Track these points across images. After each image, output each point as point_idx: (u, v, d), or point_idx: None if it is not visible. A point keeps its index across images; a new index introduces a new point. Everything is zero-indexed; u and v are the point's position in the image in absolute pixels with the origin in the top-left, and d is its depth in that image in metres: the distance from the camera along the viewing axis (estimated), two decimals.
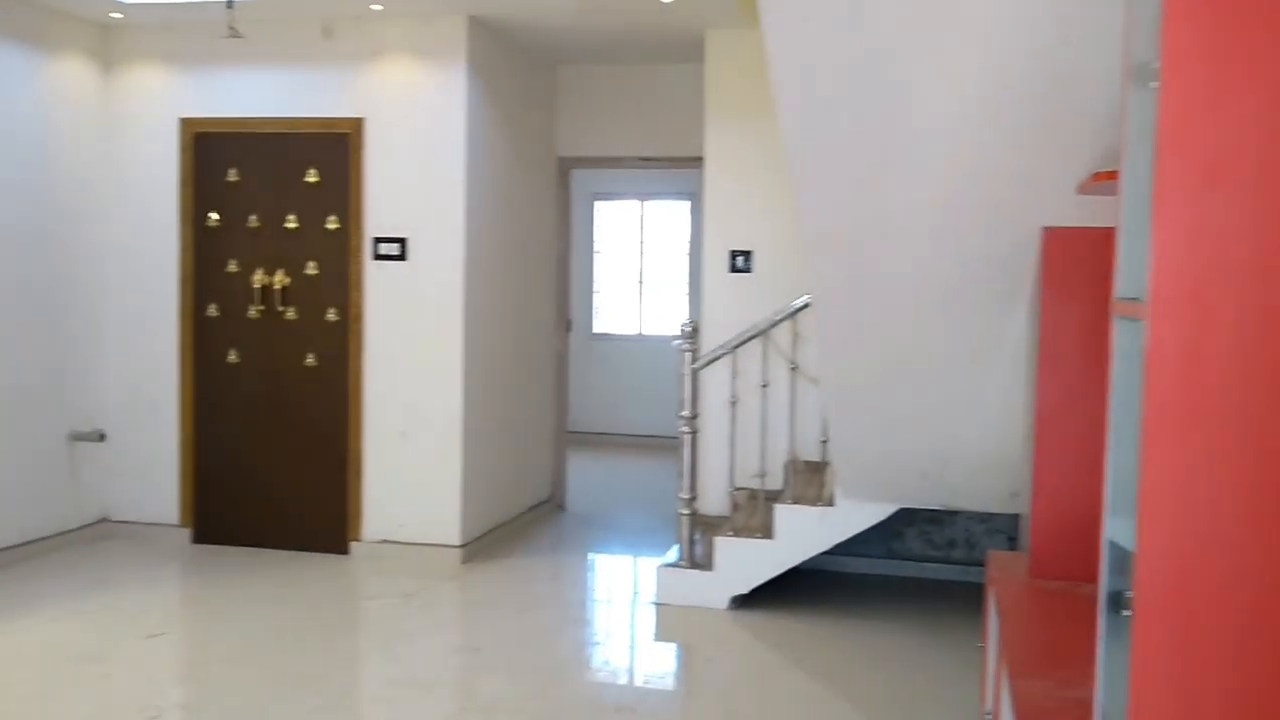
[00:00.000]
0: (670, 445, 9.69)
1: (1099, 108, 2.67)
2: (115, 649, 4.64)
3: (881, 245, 3.34)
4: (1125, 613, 1.55)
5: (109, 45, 6.23)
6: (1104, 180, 2.52)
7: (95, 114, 6.19)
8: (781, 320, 5.29)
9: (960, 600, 5.55)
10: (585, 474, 8.24)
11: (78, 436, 6.14)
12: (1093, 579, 3.10)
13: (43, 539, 5.93)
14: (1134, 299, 1.58)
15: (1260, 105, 1.40)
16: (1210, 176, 1.40)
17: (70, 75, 6.02)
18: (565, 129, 7.21)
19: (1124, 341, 1.66)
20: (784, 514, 5.23)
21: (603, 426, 10.23)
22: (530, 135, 6.85)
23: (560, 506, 7.52)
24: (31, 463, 5.87)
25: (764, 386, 5.35)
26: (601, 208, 10.64)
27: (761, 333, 5.33)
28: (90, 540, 6.24)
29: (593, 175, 9.55)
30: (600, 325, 10.70)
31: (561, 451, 7.53)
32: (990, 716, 2.88)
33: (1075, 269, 3.02)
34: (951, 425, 4.17)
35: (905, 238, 3.30)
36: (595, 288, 10.66)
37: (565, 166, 7.31)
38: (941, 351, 3.81)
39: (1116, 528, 1.69)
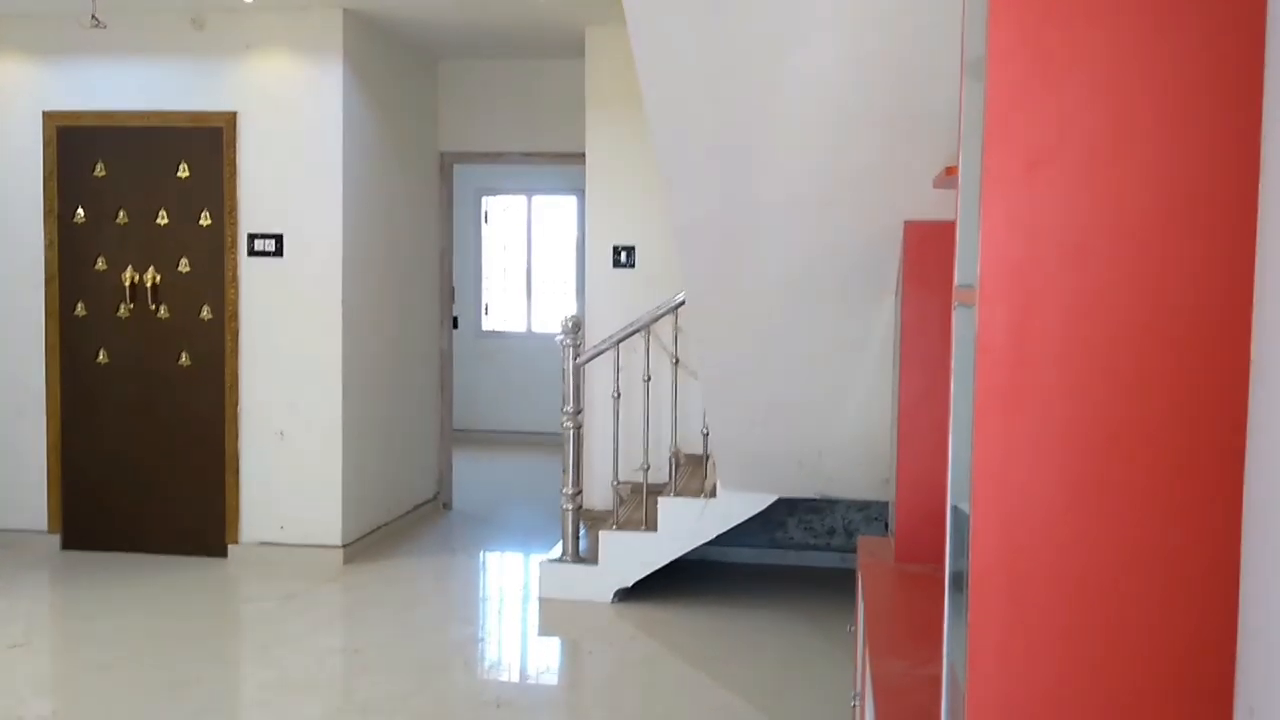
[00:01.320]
0: (559, 442, 9.75)
1: (953, 103, 2.76)
2: None
3: (750, 239, 3.40)
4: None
5: None
6: (955, 174, 2.60)
7: None
8: (663, 314, 5.33)
9: (839, 587, 5.67)
10: (473, 472, 8.19)
11: None
12: None
13: None
14: (969, 286, 1.64)
15: (1081, 96, 1.46)
16: (1033, 165, 1.46)
17: None
18: (447, 124, 7.15)
19: (961, 327, 1.73)
20: (667, 506, 5.28)
21: (492, 424, 10.18)
22: (411, 130, 6.78)
23: (446, 505, 7.46)
24: None
25: (647, 381, 5.39)
26: (489, 203, 10.58)
27: (644, 327, 5.37)
28: None
29: (479, 171, 9.49)
30: (489, 323, 10.64)
31: (447, 450, 7.47)
32: (858, 698, 2.96)
33: (934, 262, 3.11)
34: (823, 415, 4.26)
35: (773, 231, 3.37)
36: (483, 285, 10.60)
37: (447, 161, 7.25)
38: (811, 343, 3.89)
39: (959, 501, 1.76)
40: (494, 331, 10.58)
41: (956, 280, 1.77)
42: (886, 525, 5.83)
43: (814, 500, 5.89)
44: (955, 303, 1.77)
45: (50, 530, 6.08)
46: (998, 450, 1.50)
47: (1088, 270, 1.47)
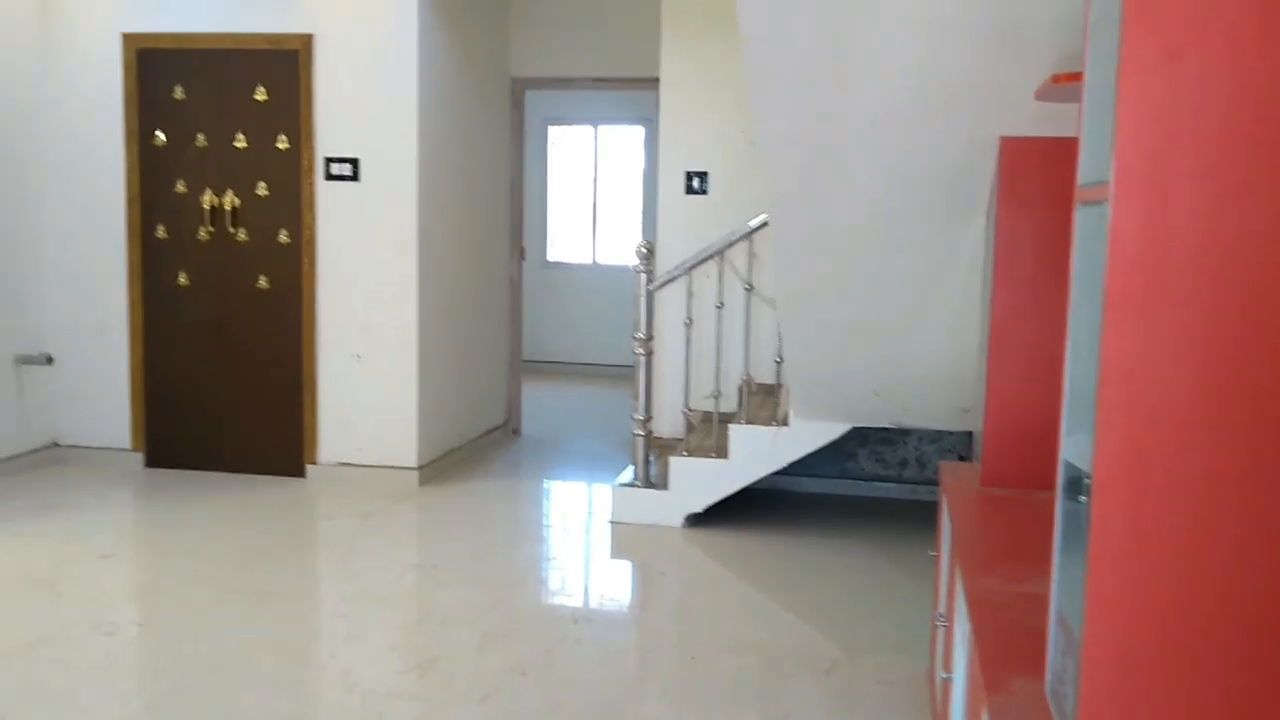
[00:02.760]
0: (624, 374, 9.77)
1: (1058, 9, 2.68)
2: (68, 570, 4.60)
3: (837, 155, 3.34)
4: (1082, 499, 1.59)
5: None
6: (1064, 83, 2.53)
7: (33, 31, 5.99)
8: (737, 240, 5.29)
9: (911, 518, 5.66)
10: (539, 401, 8.25)
11: (24, 360, 6.03)
12: (1043, 486, 3.18)
13: None
14: (1097, 183, 1.59)
15: None
16: (1173, 53, 1.41)
17: None
18: (518, 50, 7.10)
19: (1086, 228, 1.68)
20: (738, 434, 5.28)
21: (557, 355, 10.23)
22: (483, 56, 6.74)
23: (515, 432, 7.53)
24: None
25: (719, 308, 5.36)
26: (555, 133, 10.53)
27: (717, 253, 5.34)
28: (40, 465, 6.16)
29: (546, 99, 9.42)
30: (554, 254, 10.64)
31: (516, 377, 7.52)
32: (944, 617, 2.95)
33: (1032, 178, 3.05)
34: (903, 341, 4.21)
35: (861, 147, 3.30)
36: (549, 216, 10.59)
37: (518, 88, 7.21)
38: (895, 264, 3.83)
39: (1072, 443, 1.73)
40: (559, 263, 10.59)
41: (1081, 179, 1.72)
42: (962, 457, 5.80)
43: (886, 430, 5.86)
44: (1078, 203, 1.72)
45: (134, 448, 6.24)
46: (1129, 354, 1.46)
47: (1228, 165, 1.41)
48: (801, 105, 3.16)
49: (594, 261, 10.59)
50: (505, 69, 7.10)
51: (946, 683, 2.72)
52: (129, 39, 5.97)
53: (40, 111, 6.05)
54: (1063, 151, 3.06)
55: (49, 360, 6.10)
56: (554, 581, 4.79)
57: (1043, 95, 2.75)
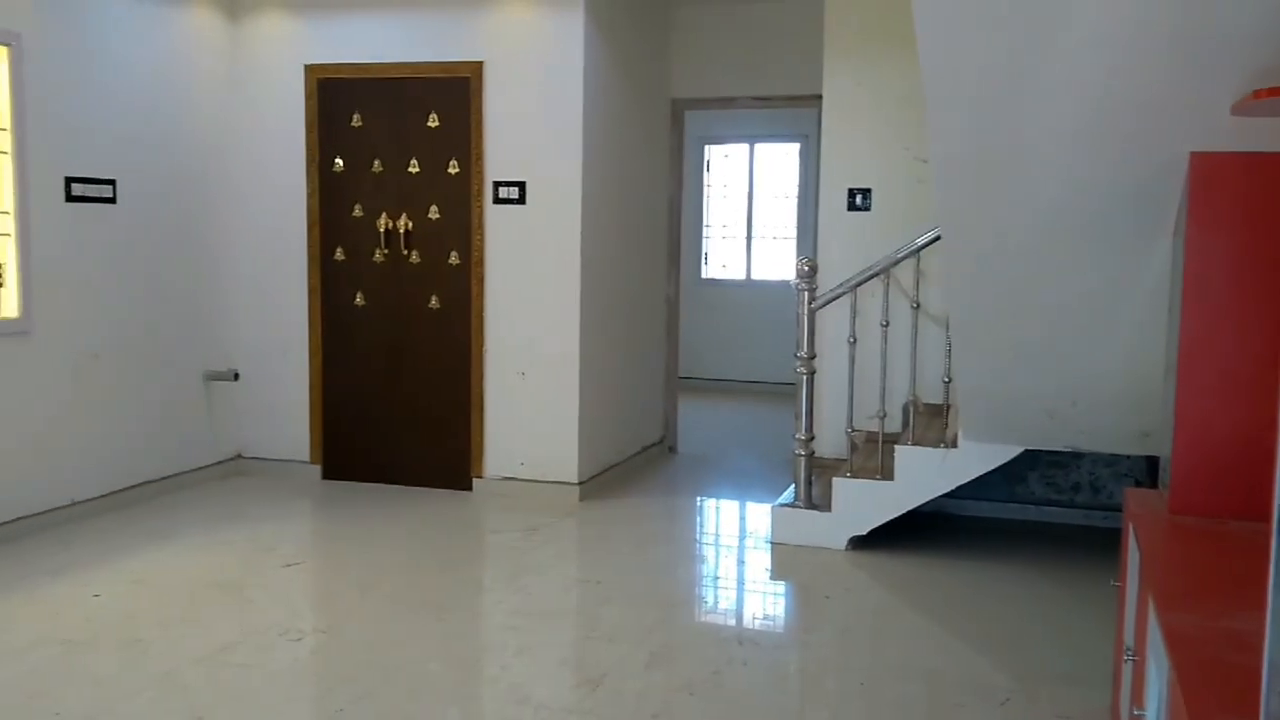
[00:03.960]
0: (779, 391, 9.75)
1: (1257, 20, 2.56)
2: (255, 577, 4.84)
3: (1016, 170, 3.26)
4: None
5: None
6: (1266, 97, 2.42)
7: (224, 63, 6.36)
8: (904, 257, 5.21)
9: (1083, 545, 5.47)
10: (695, 418, 8.27)
11: (213, 376, 6.38)
12: (1238, 514, 3.03)
13: (181, 474, 6.20)
14: None
15: None
16: None
17: (200, 25, 6.19)
18: (679, 71, 7.18)
19: None
20: (905, 455, 5.19)
21: (711, 372, 10.25)
22: (645, 77, 6.84)
23: (672, 449, 7.58)
24: (170, 401, 6.12)
25: (884, 326, 5.29)
26: (711, 151, 10.58)
27: (883, 270, 5.27)
28: (225, 476, 6.50)
29: (703, 118, 9.48)
30: (709, 270, 10.68)
31: (673, 394, 7.58)
32: (1133, 651, 2.84)
33: (1226, 194, 2.92)
34: (1084, 362, 4.08)
35: (1042, 162, 3.22)
36: (704, 233, 10.64)
37: (679, 108, 7.28)
38: (1075, 284, 3.72)
39: None
40: (713, 279, 10.62)
41: None
42: (1139, 482, 5.57)
43: (1058, 453, 5.68)
44: None
45: (312, 461, 6.52)
46: None
47: None
48: (980, 123, 3.10)
49: (748, 278, 10.59)
50: (666, 90, 7.18)
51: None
52: (311, 70, 6.27)
53: (230, 141, 6.41)
54: (1261, 167, 2.93)
55: (236, 376, 6.43)
56: (716, 601, 4.80)
57: (1241, 110, 2.63)
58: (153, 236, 5.94)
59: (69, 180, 5.39)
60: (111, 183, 5.63)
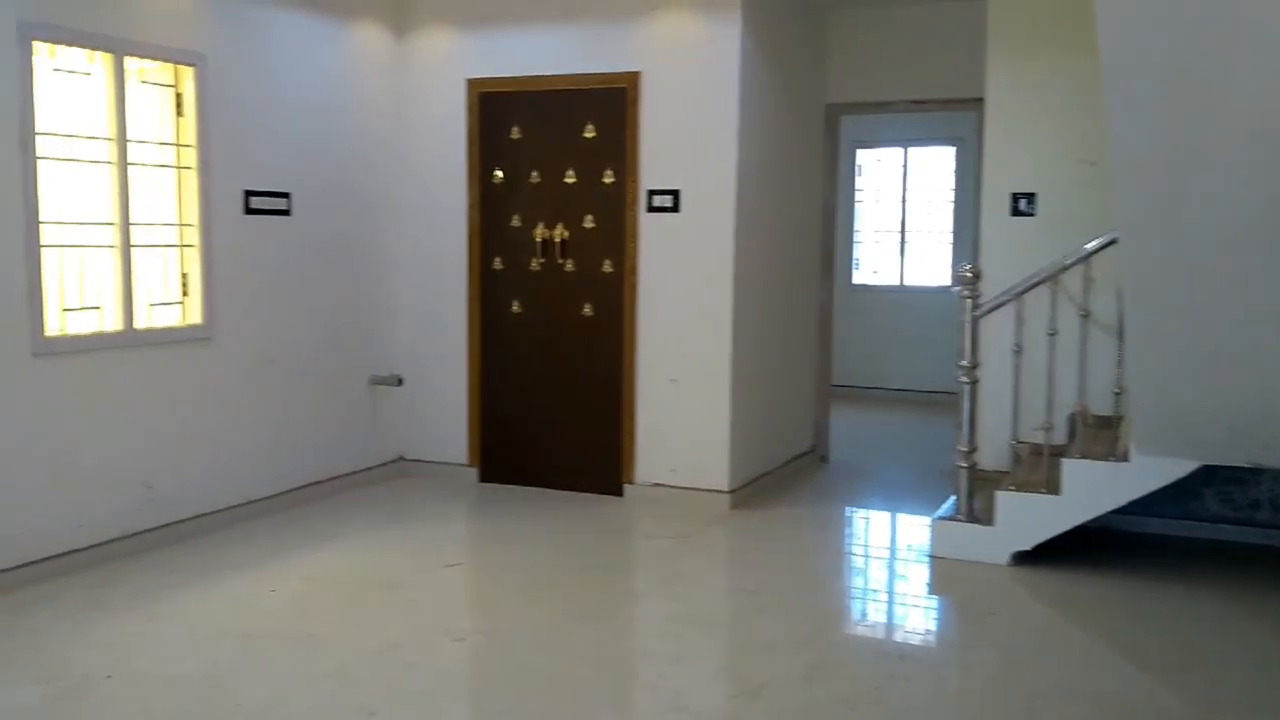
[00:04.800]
0: (932, 400, 9.55)
1: None
2: (418, 576, 4.98)
3: (1203, 173, 3.12)
4: None
5: (402, 11, 6.59)
6: None
7: (390, 79, 6.58)
8: (1073, 263, 5.04)
9: (1264, 565, 5.19)
10: (847, 427, 8.15)
11: (377, 381, 6.60)
12: None
13: (346, 475, 6.43)
14: None
15: None
16: None
17: (368, 43, 6.42)
18: (835, 76, 7.10)
19: None
20: (1072, 469, 5.02)
21: (862, 380, 10.10)
22: (800, 82, 6.79)
23: (823, 458, 7.49)
24: (338, 405, 6.36)
25: (1051, 335, 5.11)
26: (862, 156, 10.44)
27: (1050, 277, 5.10)
28: (388, 477, 6.72)
29: (854, 123, 9.34)
30: (860, 276, 10.54)
31: (825, 403, 7.49)
32: None
33: None
34: (1270, 374, 3.87)
35: (1231, 165, 3.07)
36: (855, 238, 10.50)
37: (833, 113, 7.21)
38: (1264, 292, 3.53)
39: None
40: (865, 285, 10.47)
41: None
42: None
43: (1237, 469, 5.39)
44: None
45: (469, 464, 6.68)
46: None
47: None
48: (1166, 123, 2.98)
49: (901, 284, 10.40)
50: (821, 95, 7.11)
51: None
52: (473, 84, 6.43)
53: (395, 155, 6.62)
54: None
55: (399, 382, 6.64)
56: (875, 614, 4.72)
57: None
58: (323, 247, 6.18)
59: (248, 194, 5.66)
60: (286, 195, 5.89)
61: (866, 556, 5.64)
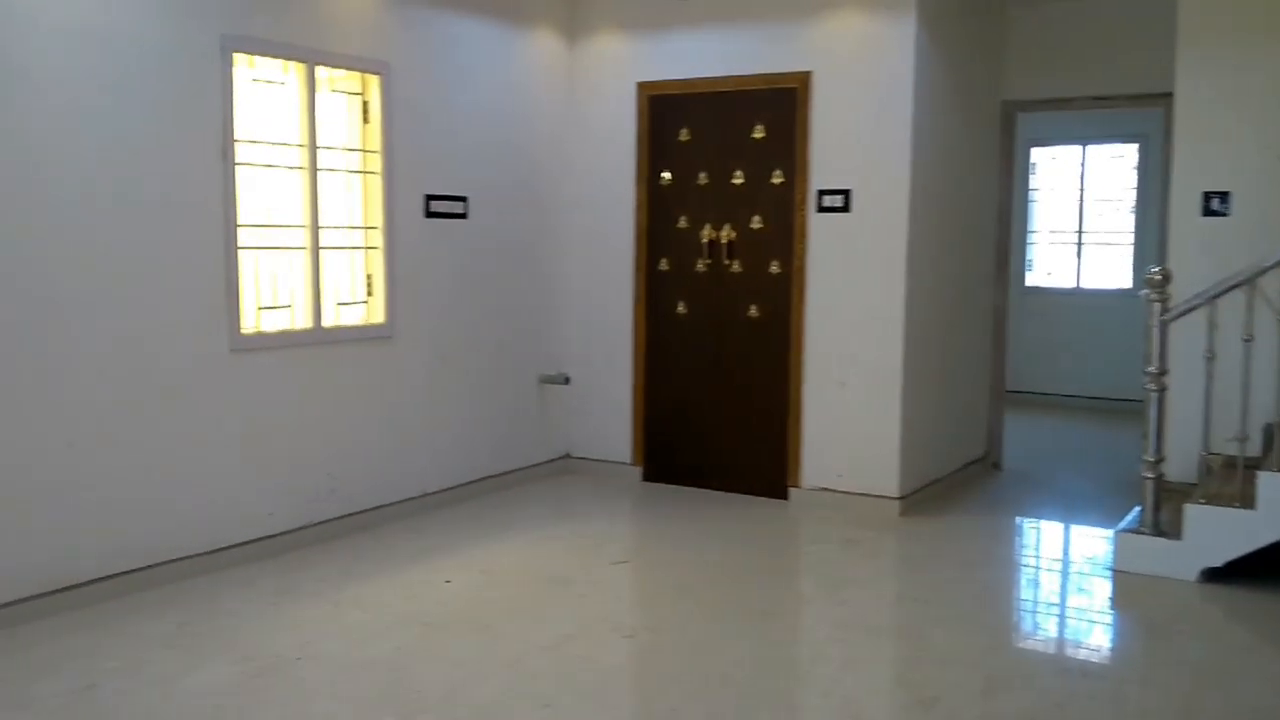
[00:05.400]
0: (1109, 408, 9.20)
1: None
2: (586, 572, 5.05)
3: None
4: None
5: (574, 17, 6.71)
6: None
7: (562, 83, 6.70)
8: (1272, 266, 4.76)
9: None
10: (1020, 434, 7.89)
11: (546, 380, 6.73)
12: None
13: (515, 471, 6.58)
14: None
15: None
16: None
17: (542, 48, 6.55)
18: (1012, 72, 6.90)
19: None
20: (1269, 482, 4.74)
21: (1036, 385, 9.78)
22: (975, 80, 6.62)
23: (996, 465, 7.28)
24: (509, 403, 6.51)
25: (1247, 341, 4.84)
26: (1036, 154, 10.11)
27: (1246, 281, 4.83)
28: (554, 474, 6.84)
29: (1030, 119, 9.05)
30: (1034, 278, 10.20)
31: (998, 408, 7.28)
32: None
33: None
34: None
35: None
36: (1029, 239, 10.17)
37: (1009, 111, 7.00)
38: None
39: None
40: (1038, 288, 10.13)
41: None
42: None
43: None
44: None
45: (634, 462, 6.75)
46: None
47: None
48: None
49: (1078, 286, 10.03)
50: (996, 93, 6.92)
51: None
52: (643, 87, 6.50)
53: (566, 158, 6.75)
54: None
55: (567, 380, 6.76)
56: (1055, 629, 4.56)
57: None
58: (496, 249, 6.34)
59: (428, 198, 5.85)
60: (463, 199, 6.06)
61: (1044, 569, 5.45)
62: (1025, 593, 5.00)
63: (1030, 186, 10.11)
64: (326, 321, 5.39)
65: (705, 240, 6.39)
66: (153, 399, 4.64)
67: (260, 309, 5.14)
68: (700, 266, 6.42)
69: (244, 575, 4.84)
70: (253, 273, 5.08)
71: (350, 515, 5.53)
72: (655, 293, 6.59)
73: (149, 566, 4.64)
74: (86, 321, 4.38)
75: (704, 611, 4.55)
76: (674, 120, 6.43)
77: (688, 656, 4.07)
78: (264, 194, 5.11)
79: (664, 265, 6.54)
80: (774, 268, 6.20)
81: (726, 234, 6.32)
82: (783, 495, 6.27)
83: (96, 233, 4.40)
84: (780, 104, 6.09)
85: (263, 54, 5.01)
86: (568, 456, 6.95)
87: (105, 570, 4.49)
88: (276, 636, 4.17)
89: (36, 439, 4.25)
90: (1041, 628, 4.57)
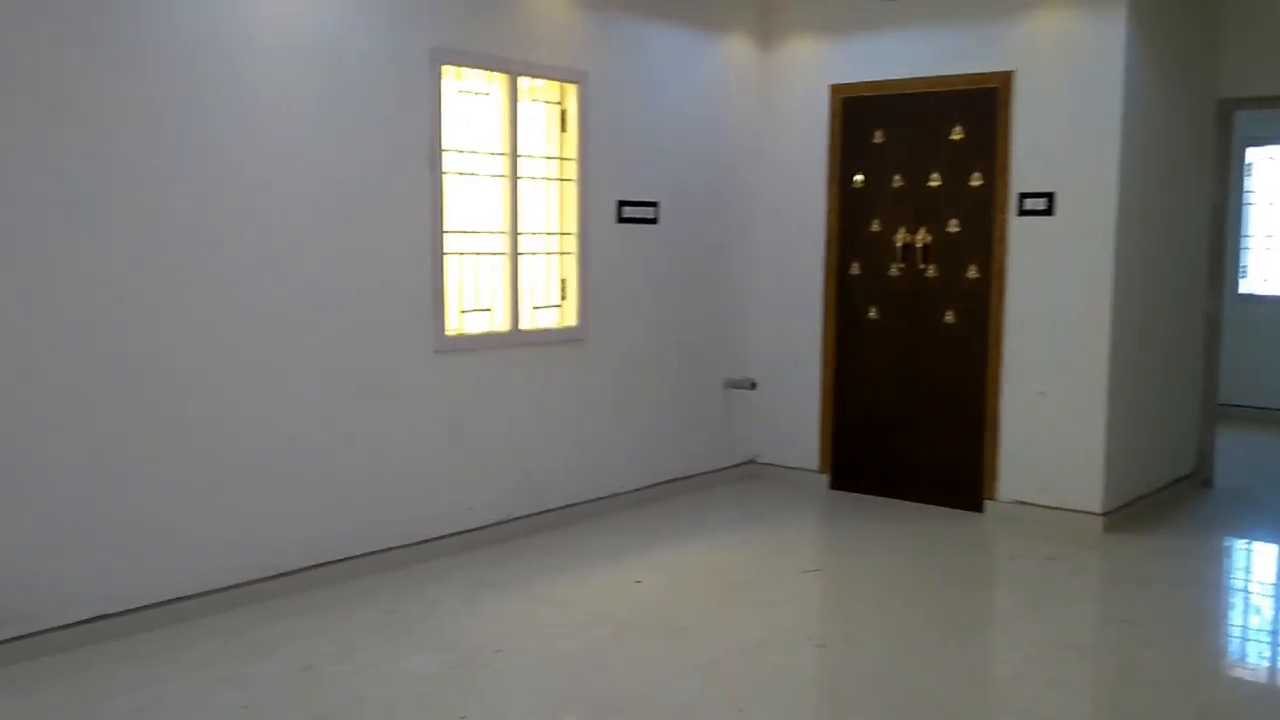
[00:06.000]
0: None
1: None
2: (775, 578, 5.03)
3: None
4: None
5: (768, 21, 6.69)
6: None
7: (755, 88, 6.70)
8: None
9: None
10: (1232, 449, 7.44)
11: (732, 384, 6.74)
12: None
13: (701, 474, 6.60)
14: None
15: None
16: None
17: (736, 53, 6.57)
18: (1228, 67, 6.51)
19: None
20: None
21: (1252, 398, 9.19)
22: (1188, 76, 6.29)
23: (1207, 482, 6.89)
24: (696, 407, 6.55)
25: None
26: (1254, 153, 9.51)
27: None
28: (739, 479, 6.84)
29: (1247, 117, 8.53)
30: (1248, 285, 9.60)
31: (1210, 422, 6.88)
32: None
33: None
34: None
35: None
36: (1244, 244, 9.58)
37: (1226, 109, 6.61)
38: None
39: None
40: (1254, 295, 9.53)
41: None
42: None
43: None
44: None
45: (820, 470, 6.68)
46: None
47: None
48: None
49: None
50: (1212, 90, 6.55)
51: None
52: (836, 89, 6.43)
53: (756, 163, 6.74)
54: None
55: (753, 385, 6.74)
56: (1271, 657, 4.28)
57: None
58: (685, 253, 6.38)
59: (620, 203, 5.94)
60: (654, 204, 6.13)
61: (1258, 593, 5.12)
62: (1239, 617, 4.71)
63: (1245, 189, 9.51)
64: (523, 324, 5.54)
65: (899, 244, 6.27)
66: (364, 398, 4.87)
67: (462, 312, 5.32)
68: (894, 271, 6.31)
69: (444, 567, 5.02)
70: (456, 277, 5.27)
71: (542, 513, 5.67)
72: (846, 297, 6.51)
73: (357, 556, 4.87)
74: (308, 323, 4.63)
75: (898, 624, 4.46)
76: (867, 122, 6.34)
77: (882, 669, 4.00)
78: (466, 201, 5.29)
79: (855, 269, 6.46)
80: (972, 272, 6.04)
81: (922, 237, 6.19)
82: (977, 508, 6.09)
83: (315, 238, 4.65)
84: (980, 104, 5.93)
85: (470, 65, 5.19)
86: (752, 462, 6.94)
87: (318, 558, 4.73)
88: (476, 628, 4.31)
89: (261, 435, 4.51)
90: (1257, 655, 4.29)
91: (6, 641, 3.84)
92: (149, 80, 4.09)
